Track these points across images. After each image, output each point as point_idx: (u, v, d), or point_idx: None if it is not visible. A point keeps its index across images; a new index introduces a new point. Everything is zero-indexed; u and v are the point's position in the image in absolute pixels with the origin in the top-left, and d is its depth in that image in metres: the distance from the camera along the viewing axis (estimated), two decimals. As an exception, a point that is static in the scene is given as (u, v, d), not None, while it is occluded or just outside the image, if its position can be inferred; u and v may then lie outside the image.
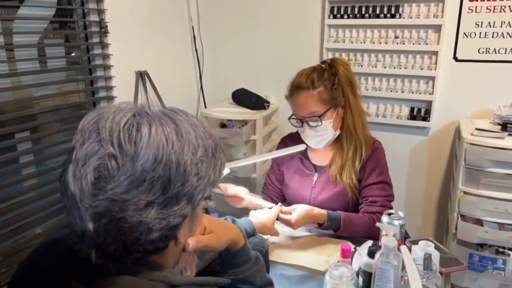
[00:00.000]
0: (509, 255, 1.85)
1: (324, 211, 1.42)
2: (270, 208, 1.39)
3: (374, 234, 1.30)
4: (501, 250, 1.88)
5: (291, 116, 1.56)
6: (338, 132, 1.55)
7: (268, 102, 2.51)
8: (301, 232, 1.49)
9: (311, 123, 1.50)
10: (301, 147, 1.53)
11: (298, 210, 1.38)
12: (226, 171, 1.42)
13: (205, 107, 2.77)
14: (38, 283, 0.68)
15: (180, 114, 0.66)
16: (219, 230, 0.84)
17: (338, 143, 1.58)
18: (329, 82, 1.50)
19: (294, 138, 1.66)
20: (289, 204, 1.62)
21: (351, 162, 1.53)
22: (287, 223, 1.37)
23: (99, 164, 0.57)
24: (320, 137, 1.53)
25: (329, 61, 1.58)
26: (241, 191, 1.45)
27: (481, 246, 1.93)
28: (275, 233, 1.37)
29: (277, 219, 1.38)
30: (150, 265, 0.64)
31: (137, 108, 0.63)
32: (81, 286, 0.63)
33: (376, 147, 1.57)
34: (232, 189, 1.46)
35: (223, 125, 2.50)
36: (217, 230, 0.83)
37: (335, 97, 1.50)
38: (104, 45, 2.03)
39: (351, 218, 1.44)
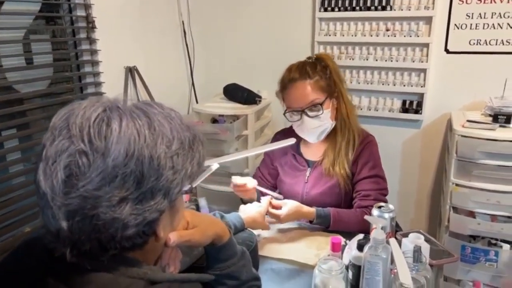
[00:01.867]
0: (501, 246, 1.85)
1: (312, 209, 1.42)
2: (277, 199, 1.41)
3: (367, 229, 1.30)
4: (493, 241, 1.88)
5: (286, 110, 1.54)
6: (334, 122, 1.54)
7: (260, 97, 2.49)
8: (291, 225, 1.48)
9: (311, 113, 1.48)
10: (291, 141, 1.51)
11: (288, 206, 1.38)
12: (215, 166, 1.41)
13: (197, 102, 2.74)
14: (17, 282, 0.67)
15: (154, 107, 0.64)
16: (203, 224, 0.82)
17: (331, 136, 1.57)
18: (323, 73, 1.50)
19: (286, 134, 1.65)
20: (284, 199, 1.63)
21: (344, 153, 1.52)
22: (276, 217, 1.37)
23: (70, 161, 0.55)
24: (320, 127, 1.51)
25: (315, 56, 1.58)
26: (249, 181, 1.46)
27: (473, 238, 1.93)
28: (265, 227, 1.36)
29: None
30: (128, 262, 0.63)
31: (109, 102, 0.61)
32: (58, 283, 0.61)
33: (369, 141, 1.56)
34: (239, 179, 1.46)
35: (214, 121, 2.47)
36: (201, 224, 0.81)
37: (330, 86, 1.50)
38: (91, 41, 2.01)
39: (342, 215, 1.44)
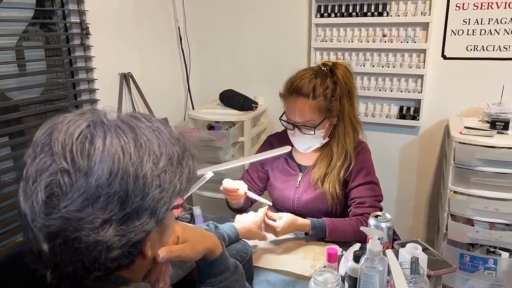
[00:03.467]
0: (500, 254, 1.83)
1: (307, 221, 1.40)
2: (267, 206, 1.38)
3: (363, 237, 1.27)
4: (492, 249, 1.86)
5: (282, 115, 1.52)
6: (326, 140, 1.52)
7: (256, 103, 2.47)
8: (287, 235, 1.45)
9: (304, 130, 1.47)
10: (286, 149, 1.49)
11: (284, 219, 1.35)
12: (209, 174, 1.39)
13: (193, 108, 2.73)
14: None
15: (142, 120, 0.61)
16: (194, 238, 0.80)
17: (325, 147, 1.54)
18: (329, 92, 1.43)
19: (280, 139, 1.63)
20: (274, 204, 1.60)
21: (337, 172, 1.48)
22: (272, 230, 1.34)
23: (51, 180, 0.53)
24: (309, 143, 1.50)
25: (330, 64, 1.50)
26: (240, 186, 1.42)
27: (472, 246, 1.90)
28: (261, 237, 1.34)
29: None
30: (114, 281, 0.60)
31: (94, 117, 0.59)
32: None
33: (361, 148, 1.53)
34: (230, 183, 1.41)
35: (210, 127, 2.46)
36: (191, 239, 0.79)
37: (332, 108, 1.45)
38: (86, 47, 1.99)
39: (337, 225, 1.41)
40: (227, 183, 1.41)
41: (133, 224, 0.56)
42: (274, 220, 1.35)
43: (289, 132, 1.53)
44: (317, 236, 1.40)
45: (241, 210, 1.58)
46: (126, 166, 0.55)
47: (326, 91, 1.43)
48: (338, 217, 1.47)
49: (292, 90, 1.45)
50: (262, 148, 1.69)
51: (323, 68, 1.49)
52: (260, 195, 1.63)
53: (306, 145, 1.51)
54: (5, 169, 1.70)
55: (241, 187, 1.41)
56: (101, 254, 0.55)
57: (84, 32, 1.94)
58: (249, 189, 1.49)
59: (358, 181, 1.48)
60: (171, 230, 0.71)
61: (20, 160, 1.75)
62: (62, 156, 0.54)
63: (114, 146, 0.55)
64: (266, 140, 1.72)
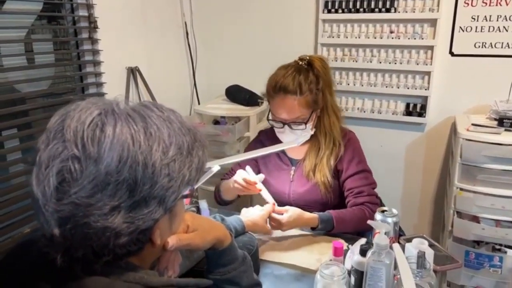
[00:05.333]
0: (505, 252, 1.83)
1: (315, 215, 1.40)
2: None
3: (367, 226, 1.28)
4: (497, 247, 1.85)
5: (268, 115, 1.53)
6: (313, 130, 1.54)
7: (262, 98, 2.47)
8: (292, 231, 1.46)
9: (294, 126, 1.48)
10: (293, 143, 1.50)
11: (290, 213, 1.35)
12: (216, 168, 1.39)
13: (199, 103, 2.73)
14: (9, 286, 0.65)
15: (153, 110, 0.62)
16: (203, 228, 0.80)
17: (312, 138, 1.56)
18: (313, 85, 1.47)
19: (269, 134, 1.64)
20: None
21: (326, 160, 1.51)
22: (277, 223, 1.34)
23: (62, 166, 0.54)
24: (300, 137, 1.51)
25: (307, 58, 1.52)
26: (259, 181, 1.43)
27: (477, 243, 1.90)
28: (267, 231, 1.34)
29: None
30: (123, 267, 0.61)
31: (105, 105, 0.59)
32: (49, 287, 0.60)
33: (349, 137, 1.56)
34: (252, 175, 1.42)
35: (216, 122, 2.46)
36: (201, 228, 0.80)
37: (318, 101, 1.49)
38: (93, 41, 1.99)
39: (343, 216, 1.42)
40: (246, 175, 1.41)
41: (141, 211, 0.57)
42: (281, 215, 1.35)
43: (277, 130, 1.53)
44: (325, 229, 1.41)
45: (228, 203, 1.62)
46: (135, 154, 0.55)
47: (311, 85, 1.46)
48: (334, 207, 1.49)
49: (278, 89, 1.46)
50: (253, 145, 1.70)
51: (301, 63, 1.51)
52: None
53: (297, 140, 1.52)
54: (13, 161, 1.71)
55: (258, 182, 1.42)
56: (109, 240, 0.56)
57: (92, 25, 1.95)
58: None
59: (351, 171, 1.50)
60: (180, 218, 0.72)
61: (27, 152, 1.77)
62: (74, 143, 0.54)
63: (124, 134, 0.56)
64: (257, 136, 1.73)
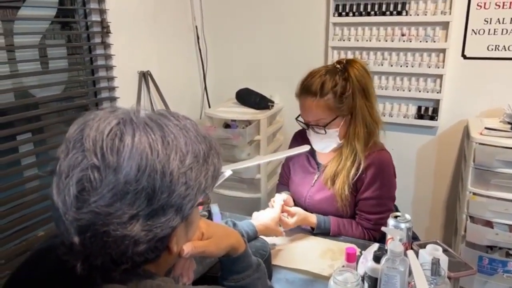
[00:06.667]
0: (520, 257, 1.81)
1: (315, 220, 1.45)
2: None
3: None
4: (511, 252, 1.83)
5: (299, 116, 1.52)
6: (342, 141, 1.49)
7: (273, 102, 2.48)
8: (305, 235, 1.47)
9: (316, 129, 1.46)
10: (304, 148, 1.50)
11: (296, 217, 1.41)
12: (228, 172, 1.40)
13: (209, 107, 2.74)
14: None
15: (170, 118, 0.63)
16: (218, 235, 0.81)
17: (340, 147, 1.52)
18: (339, 89, 1.39)
19: (304, 135, 1.60)
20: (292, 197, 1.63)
21: (346, 173, 1.45)
22: (285, 225, 1.39)
23: (82, 175, 0.55)
24: (324, 143, 1.49)
25: (344, 61, 1.46)
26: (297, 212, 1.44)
27: (490, 248, 1.88)
28: (279, 233, 1.35)
29: None
30: (141, 274, 0.62)
31: (123, 114, 0.60)
32: None
33: (377, 157, 1.45)
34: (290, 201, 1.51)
35: (227, 125, 2.47)
36: (215, 235, 0.80)
37: (343, 106, 1.41)
38: (106, 46, 2.01)
39: (341, 230, 1.46)
40: (285, 199, 1.44)
41: (159, 219, 0.58)
42: (291, 215, 1.42)
43: (307, 131, 1.53)
44: (321, 233, 1.47)
45: None
46: (153, 163, 0.56)
47: (335, 88, 1.39)
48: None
49: (302, 89, 1.45)
50: (292, 144, 1.71)
51: (337, 66, 1.46)
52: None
53: (322, 144, 1.50)
54: (28, 165, 1.74)
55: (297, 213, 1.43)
56: (128, 248, 0.57)
57: (105, 30, 1.97)
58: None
59: (367, 194, 1.45)
60: (196, 226, 0.72)
61: (41, 156, 1.79)
62: (93, 152, 0.55)
63: (143, 143, 0.56)
64: (294, 136, 1.73)
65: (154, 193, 0.56)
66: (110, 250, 0.57)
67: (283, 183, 1.72)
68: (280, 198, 1.43)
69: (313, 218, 1.45)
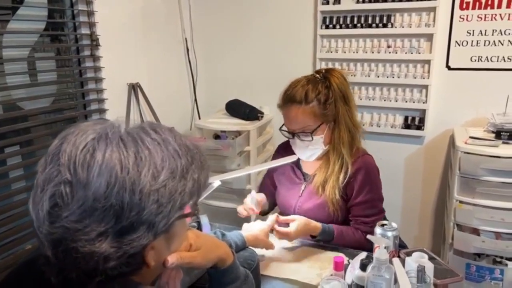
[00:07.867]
0: (506, 264, 1.83)
1: (319, 224, 1.42)
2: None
3: (366, 248, 1.31)
4: (498, 259, 1.86)
5: (282, 126, 1.54)
6: (328, 147, 1.52)
7: (262, 113, 2.50)
8: (292, 243, 1.47)
9: (302, 137, 1.48)
10: (293, 158, 1.51)
11: (297, 222, 1.37)
12: (217, 183, 1.40)
13: (199, 118, 2.75)
14: None
15: (149, 132, 0.61)
16: (206, 247, 0.81)
17: (326, 154, 1.55)
18: (322, 96, 1.44)
19: (287, 147, 1.64)
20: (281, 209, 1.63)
21: (336, 178, 1.48)
22: (285, 235, 1.35)
23: (55, 191, 0.55)
24: (310, 151, 1.51)
25: (323, 71, 1.51)
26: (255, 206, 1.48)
27: (478, 256, 1.90)
28: (268, 245, 1.34)
29: (271, 231, 1.37)
30: (122, 284, 0.62)
31: (101, 129, 0.59)
32: None
33: (363, 161, 1.49)
34: (250, 201, 1.48)
35: (217, 136, 2.48)
36: (204, 247, 0.80)
37: (327, 112, 1.46)
38: (95, 58, 2.03)
39: (344, 235, 1.45)
40: (249, 201, 1.47)
41: (129, 236, 0.57)
42: (287, 224, 1.37)
43: (290, 141, 1.55)
44: (323, 240, 1.44)
45: (264, 213, 1.67)
46: (122, 180, 0.55)
47: (318, 95, 1.44)
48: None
49: (286, 98, 1.48)
50: (274, 156, 1.72)
51: (316, 75, 1.51)
52: (274, 199, 1.70)
53: (308, 152, 1.51)
54: (15, 178, 1.73)
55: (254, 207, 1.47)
56: (98, 264, 0.56)
57: (94, 43, 1.98)
58: (264, 192, 1.63)
59: (360, 199, 1.47)
60: (181, 238, 0.72)
61: (29, 168, 1.78)
62: (67, 167, 0.55)
63: (113, 159, 0.56)
64: (277, 149, 1.74)
65: (123, 210, 0.56)
66: (80, 266, 0.57)
67: (264, 193, 1.71)
68: (250, 197, 1.46)
69: (315, 222, 1.42)
